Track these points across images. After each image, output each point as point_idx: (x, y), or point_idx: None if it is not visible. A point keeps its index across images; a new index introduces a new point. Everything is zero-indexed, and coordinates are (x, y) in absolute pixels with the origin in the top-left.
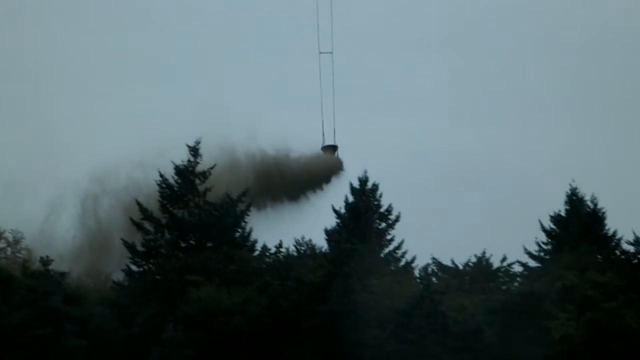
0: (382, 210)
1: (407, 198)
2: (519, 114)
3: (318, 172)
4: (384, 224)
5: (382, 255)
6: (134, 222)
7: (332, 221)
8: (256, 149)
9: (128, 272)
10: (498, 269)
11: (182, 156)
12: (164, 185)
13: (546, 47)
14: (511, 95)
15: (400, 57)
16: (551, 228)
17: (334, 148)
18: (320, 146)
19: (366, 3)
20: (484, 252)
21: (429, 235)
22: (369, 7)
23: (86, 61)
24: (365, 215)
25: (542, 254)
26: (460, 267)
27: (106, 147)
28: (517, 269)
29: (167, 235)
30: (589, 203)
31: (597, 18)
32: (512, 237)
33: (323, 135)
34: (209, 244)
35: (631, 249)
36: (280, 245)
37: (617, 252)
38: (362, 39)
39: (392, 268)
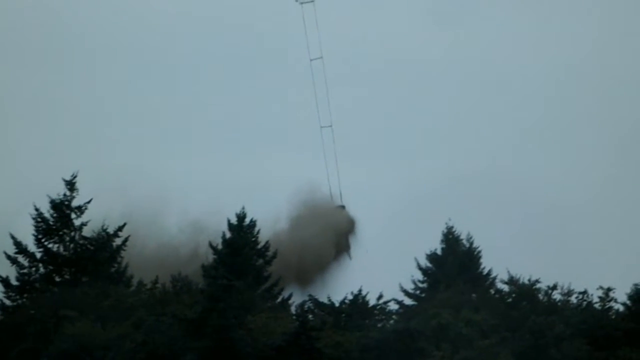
0: (259, 247)
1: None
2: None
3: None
4: (261, 261)
5: (259, 291)
6: (7, 256)
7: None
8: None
9: (2, 306)
10: (374, 306)
11: None
12: (39, 219)
13: None
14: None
15: None
16: (427, 266)
17: (342, 208)
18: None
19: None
20: (360, 290)
21: None
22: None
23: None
24: (242, 251)
25: (417, 292)
26: (337, 304)
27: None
28: (393, 306)
29: (41, 270)
30: (464, 242)
31: None
32: (389, 275)
33: (331, 197)
34: (84, 279)
35: (505, 287)
36: (156, 281)
37: (492, 291)
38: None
39: (269, 305)
